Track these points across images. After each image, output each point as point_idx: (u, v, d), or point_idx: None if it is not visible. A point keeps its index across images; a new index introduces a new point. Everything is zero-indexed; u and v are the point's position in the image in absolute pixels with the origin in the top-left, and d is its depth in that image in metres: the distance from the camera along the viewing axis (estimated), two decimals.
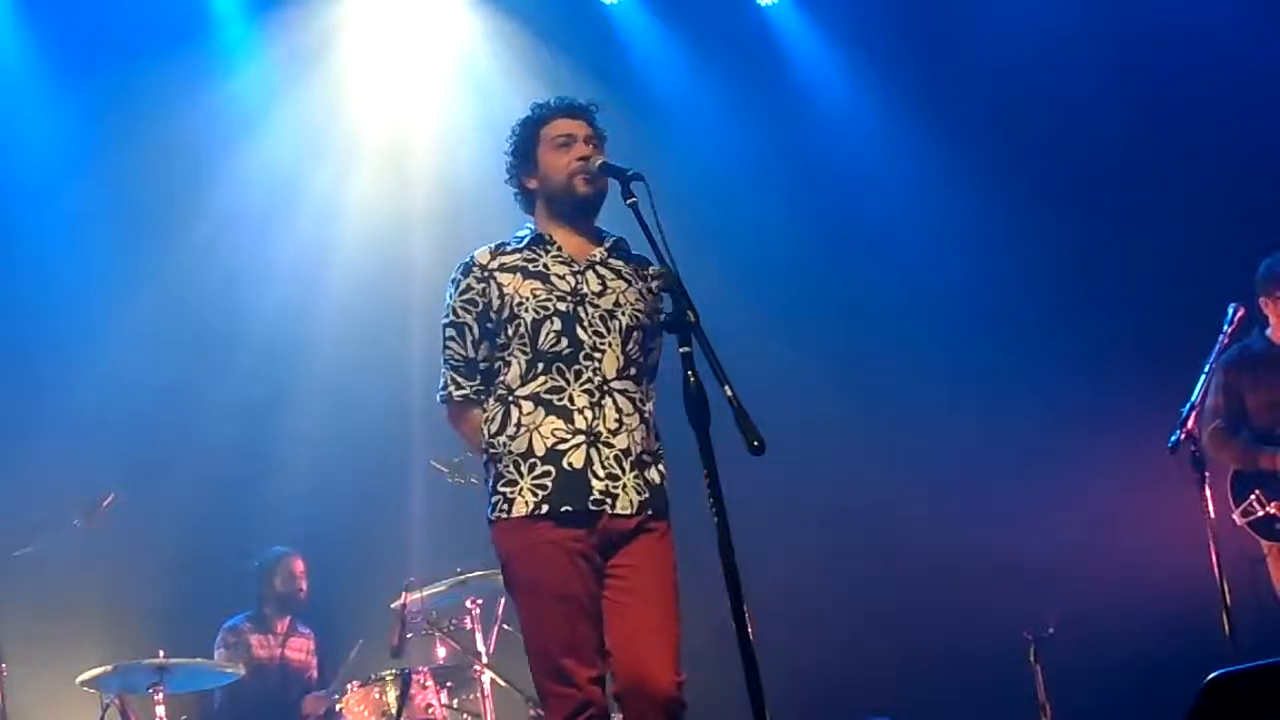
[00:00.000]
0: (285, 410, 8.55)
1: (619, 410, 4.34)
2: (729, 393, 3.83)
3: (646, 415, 4.40)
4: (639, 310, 4.43)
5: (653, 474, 4.38)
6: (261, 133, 8.60)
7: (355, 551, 8.51)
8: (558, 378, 4.31)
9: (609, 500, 4.28)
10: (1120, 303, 8.52)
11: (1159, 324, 8.14)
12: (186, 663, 7.12)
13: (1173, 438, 5.77)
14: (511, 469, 4.31)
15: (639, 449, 4.35)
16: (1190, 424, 5.78)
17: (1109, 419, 8.10)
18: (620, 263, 4.50)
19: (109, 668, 6.77)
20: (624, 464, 4.32)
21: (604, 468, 4.29)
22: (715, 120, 9.14)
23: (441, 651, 7.35)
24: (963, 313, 8.71)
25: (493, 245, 4.50)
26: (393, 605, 6.94)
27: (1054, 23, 8.78)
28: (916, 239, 8.88)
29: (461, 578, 6.99)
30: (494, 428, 4.36)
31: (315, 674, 8.27)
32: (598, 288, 4.41)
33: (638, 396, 4.39)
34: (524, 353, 4.34)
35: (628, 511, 4.30)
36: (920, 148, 8.96)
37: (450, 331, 4.43)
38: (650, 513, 4.34)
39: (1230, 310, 6.16)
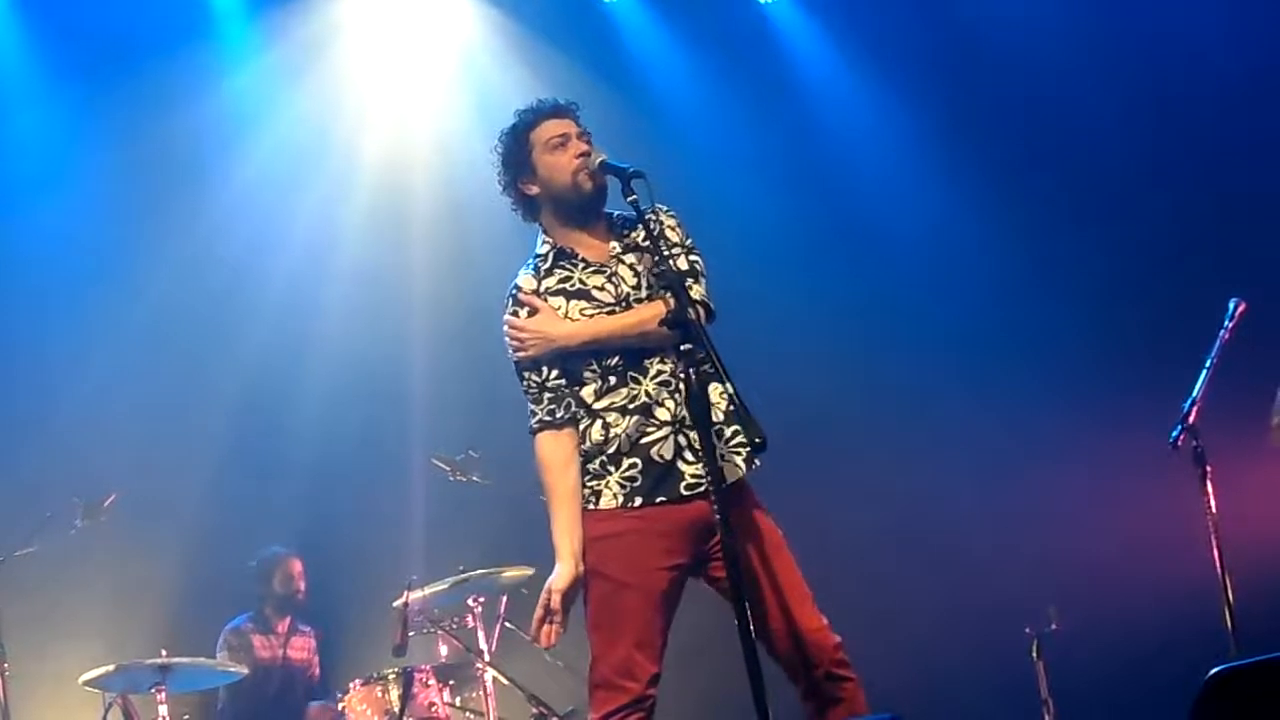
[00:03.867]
0: (287, 409, 8.56)
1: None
2: (730, 389, 3.83)
3: (708, 371, 4.20)
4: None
5: (736, 428, 4.32)
6: (261, 131, 8.60)
7: (357, 550, 8.51)
8: (632, 384, 4.31)
9: (713, 477, 4.26)
10: (1125, 297, 8.51)
11: (1163, 318, 8.13)
12: (189, 662, 7.11)
13: (1173, 433, 5.76)
14: (598, 466, 4.31)
15: (721, 412, 4.30)
16: (1192, 419, 5.77)
17: (1112, 414, 8.09)
18: (630, 237, 4.47)
19: (111, 667, 6.77)
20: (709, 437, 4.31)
21: (693, 451, 4.27)
22: (716, 117, 9.13)
23: (444, 650, 7.36)
24: (964, 309, 8.70)
25: (529, 269, 4.45)
26: (395, 603, 6.94)
27: (1056, 17, 8.78)
28: (918, 234, 8.87)
29: (463, 576, 7.00)
30: (582, 437, 4.34)
31: (317, 673, 8.28)
32: (633, 281, 4.39)
33: (700, 358, 4.27)
34: (593, 372, 4.33)
35: (738, 475, 4.30)
36: (921, 142, 8.96)
37: (527, 365, 4.39)
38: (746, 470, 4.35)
39: (1231, 305, 6.14)
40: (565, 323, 4.33)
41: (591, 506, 4.31)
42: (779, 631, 4.29)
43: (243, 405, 8.45)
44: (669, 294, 4.14)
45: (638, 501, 4.28)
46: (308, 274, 8.67)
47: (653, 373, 4.31)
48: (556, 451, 4.34)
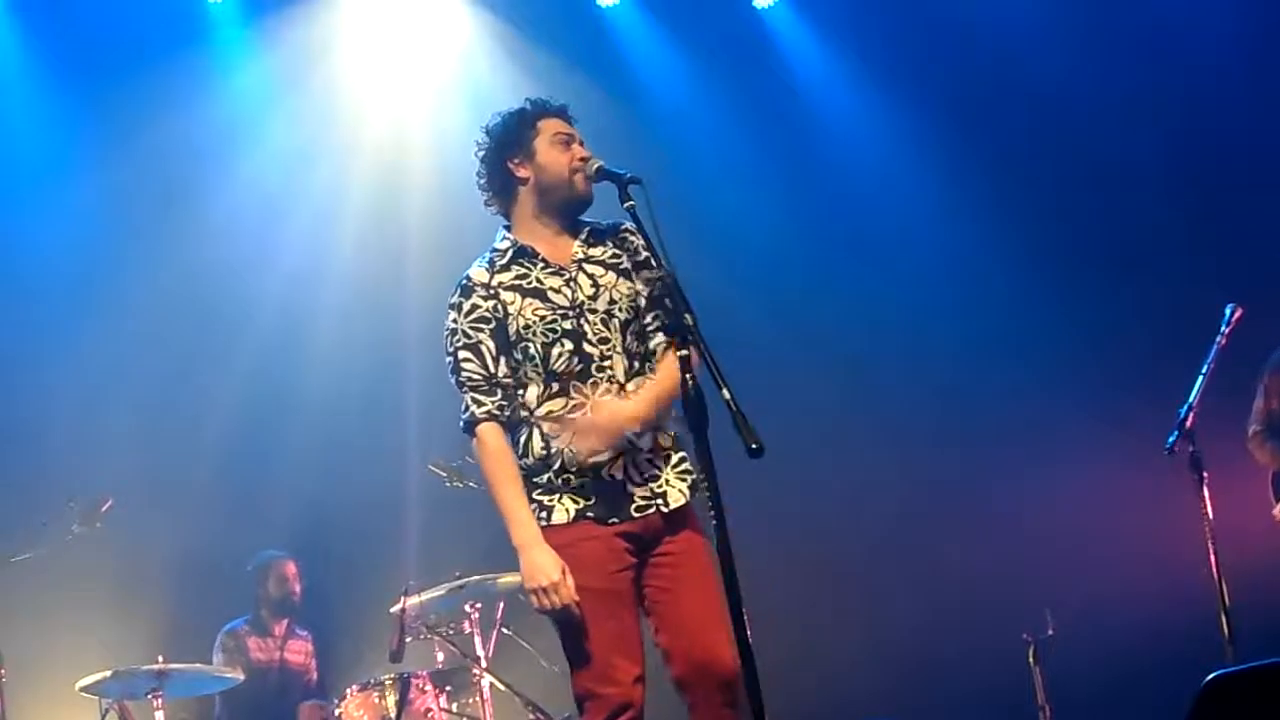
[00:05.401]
0: (284, 414, 8.54)
1: None
2: (727, 395, 3.83)
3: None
4: (629, 297, 4.42)
5: (681, 454, 4.40)
6: (258, 136, 8.60)
7: (354, 555, 8.50)
8: (575, 395, 4.32)
9: (659, 500, 4.32)
10: (1120, 303, 8.52)
11: (1159, 325, 8.15)
12: (185, 668, 7.12)
13: (1170, 439, 5.77)
14: (545, 482, 4.32)
15: (668, 437, 4.37)
16: (1188, 425, 5.77)
17: (1108, 420, 8.11)
18: (599, 249, 4.49)
19: (108, 673, 6.76)
20: (657, 460, 4.34)
21: (640, 472, 4.32)
22: (712, 122, 9.13)
23: (440, 655, 7.35)
24: (961, 315, 8.71)
25: (484, 262, 4.47)
26: (392, 609, 6.93)
27: (1054, 21, 8.79)
28: (915, 236, 8.88)
29: (460, 582, 6.99)
30: (521, 448, 4.36)
31: (314, 676, 8.27)
32: (590, 290, 4.40)
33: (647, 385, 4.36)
34: (538, 374, 4.34)
35: (681, 503, 4.33)
36: (920, 145, 8.96)
37: (464, 354, 4.36)
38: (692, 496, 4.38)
39: (1228, 311, 6.15)
40: (629, 405, 4.28)
41: (545, 523, 4.30)
42: (682, 652, 4.28)
43: (240, 410, 8.44)
44: (667, 302, 4.16)
45: (590, 516, 4.30)
46: (304, 279, 8.66)
47: (599, 390, 4.32)
48: (503, 440, 4.34)
